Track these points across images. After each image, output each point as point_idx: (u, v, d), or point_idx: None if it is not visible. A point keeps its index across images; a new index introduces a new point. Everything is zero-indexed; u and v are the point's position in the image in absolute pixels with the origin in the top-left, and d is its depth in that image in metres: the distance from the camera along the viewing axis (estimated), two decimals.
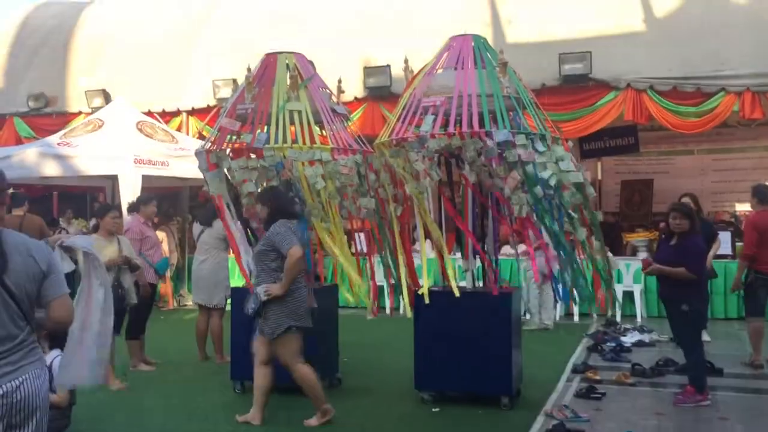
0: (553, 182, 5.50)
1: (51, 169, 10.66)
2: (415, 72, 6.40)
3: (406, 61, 6.54)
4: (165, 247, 10.15)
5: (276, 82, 6.34)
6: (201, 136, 11.30)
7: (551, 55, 10.49)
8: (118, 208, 7.25)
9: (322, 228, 5.91)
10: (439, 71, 6.18)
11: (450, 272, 5.94)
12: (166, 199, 12.35)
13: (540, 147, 5.56)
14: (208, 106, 12.04)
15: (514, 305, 5.82)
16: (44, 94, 12.91)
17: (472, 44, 6.12)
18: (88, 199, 15.35)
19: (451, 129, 5.74)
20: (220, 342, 7.50)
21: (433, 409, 5.65)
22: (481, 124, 5.62)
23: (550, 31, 10.97)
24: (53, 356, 4.92)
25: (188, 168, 9.55)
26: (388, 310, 10.23)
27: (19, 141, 12.53)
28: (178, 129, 12.21)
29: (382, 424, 5.38)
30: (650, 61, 10.46)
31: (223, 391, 6.23)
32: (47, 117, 12.85)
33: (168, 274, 10.57)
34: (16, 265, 2.67)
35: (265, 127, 6.32)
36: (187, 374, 7.02)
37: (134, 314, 6.90)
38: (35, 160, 10.75)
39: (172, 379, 6.80)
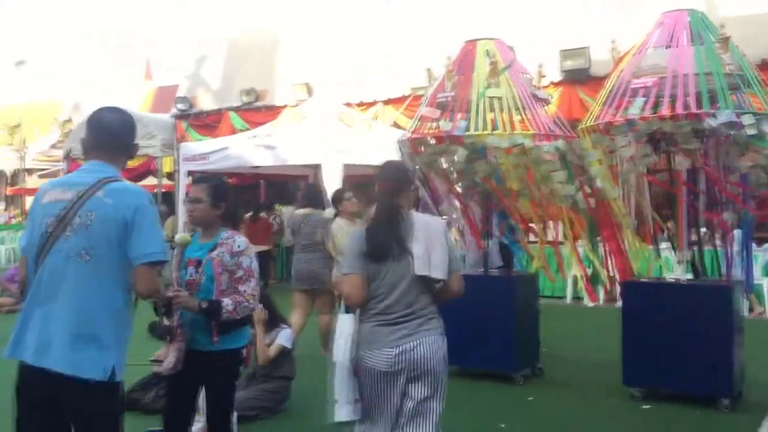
0: None
1: (260, 159, 11.50)
2: (623, 53, 6.10)
3: (612, 42, 6.24)
4: None
5: (475, 69, 6.34)
6: (396, 125, 11.61)
7: None
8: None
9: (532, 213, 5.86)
10: (650, 50, 5.83)
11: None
12: (364, 187, 12.83)
13: None
14: (403, 95, 12.31)
15: (734, 299, 5.38)
16: (254, 89, 13.91)
17: (688, 19, 5.72)
18: (291, 187, 16.43)
19: (664, 111, 5.39)
20: None
21: (644, 406, 5.38)
22: (699, 105, 5.24)
23: None
24: (280, 329, 5.37)
25: (385, 156, 9.80)
26: (586, 300, 9.90)
27: (234, 133, 13.59)
28: (375, 118, 12.61)
29: (588, 418, 5.22)
30: None
31: None
32: (258, 111, 13.81)
33: None
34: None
35: (465, 114, 6.35)
36: None
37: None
38: (247, 150, 11.65)
39: None
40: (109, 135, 2.85)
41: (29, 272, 2.74)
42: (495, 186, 6.19)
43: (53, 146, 19.73)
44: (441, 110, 6.42)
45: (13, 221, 21.40)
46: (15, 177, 23.23)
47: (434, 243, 3.21)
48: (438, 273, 3.19)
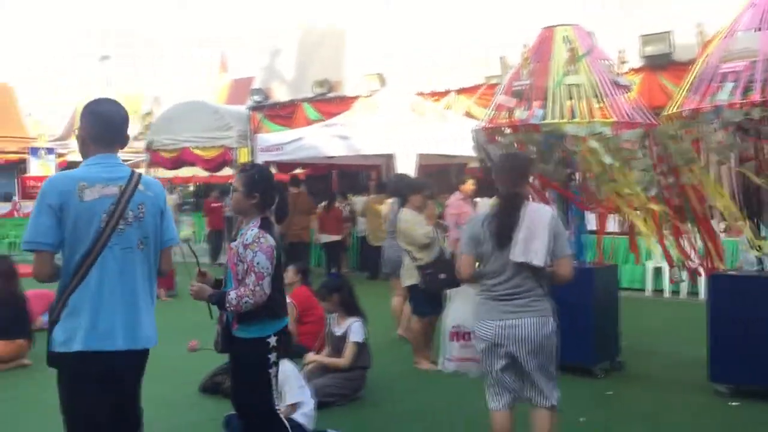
0: None
1: (334, 149, 11.63)
2: (710, 37, 5.86)
3: (698, 26, 6.01)
4: None
5: (553, 57, 6.20)
6: (469, 114, 11.50)
7: None
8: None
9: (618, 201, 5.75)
10: (739, 34, 5.58)
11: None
12: (437, 176, 12.81)
13: None
14: (476, 85, 12.16)
15: None
16: (327, 80, 14.00)
17: None
18: (362, 177, 16.55)
19: (756, 96, 5.15)
20: None
21: (731, 404, 5.18)
22: None
23: None
24: (351, 321, 5.40)
25: (457, 146, 9.69)
26: (667, 293, 9.63)
27: (309, 124, 13.74)
28: (447, 108, 12.52)
29: (672, 414, 5.05)
30: None
31: None
32: (331, 102, 13.91)
33: None
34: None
35: (542, 103, 6.22)
36: None
37: None
38: (321, 141, 11.79)
39: None
40: (109, 127, 2.99)
41: (70, 266, 2.84)
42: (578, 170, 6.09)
43: (135, 138, 20.42)
44: (517, 98, 6.32)
45: None
46: None
47: (537, 230, 3.39)
48: (537, 260, 3.39)
